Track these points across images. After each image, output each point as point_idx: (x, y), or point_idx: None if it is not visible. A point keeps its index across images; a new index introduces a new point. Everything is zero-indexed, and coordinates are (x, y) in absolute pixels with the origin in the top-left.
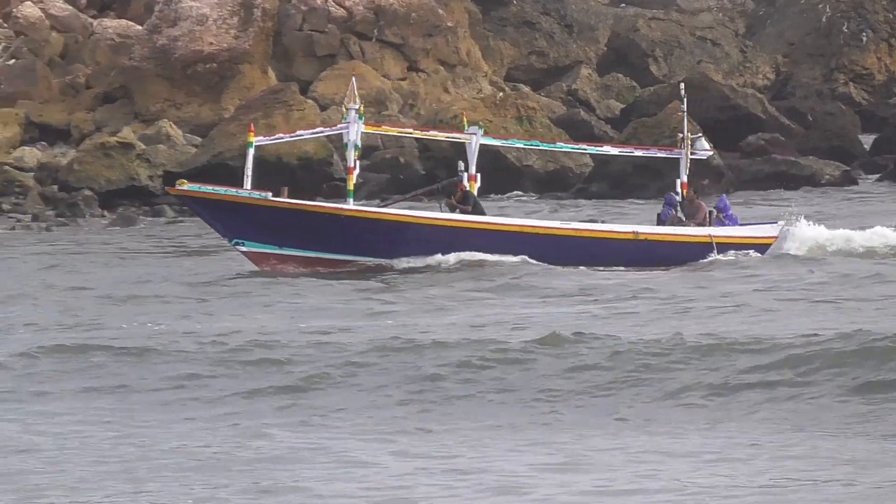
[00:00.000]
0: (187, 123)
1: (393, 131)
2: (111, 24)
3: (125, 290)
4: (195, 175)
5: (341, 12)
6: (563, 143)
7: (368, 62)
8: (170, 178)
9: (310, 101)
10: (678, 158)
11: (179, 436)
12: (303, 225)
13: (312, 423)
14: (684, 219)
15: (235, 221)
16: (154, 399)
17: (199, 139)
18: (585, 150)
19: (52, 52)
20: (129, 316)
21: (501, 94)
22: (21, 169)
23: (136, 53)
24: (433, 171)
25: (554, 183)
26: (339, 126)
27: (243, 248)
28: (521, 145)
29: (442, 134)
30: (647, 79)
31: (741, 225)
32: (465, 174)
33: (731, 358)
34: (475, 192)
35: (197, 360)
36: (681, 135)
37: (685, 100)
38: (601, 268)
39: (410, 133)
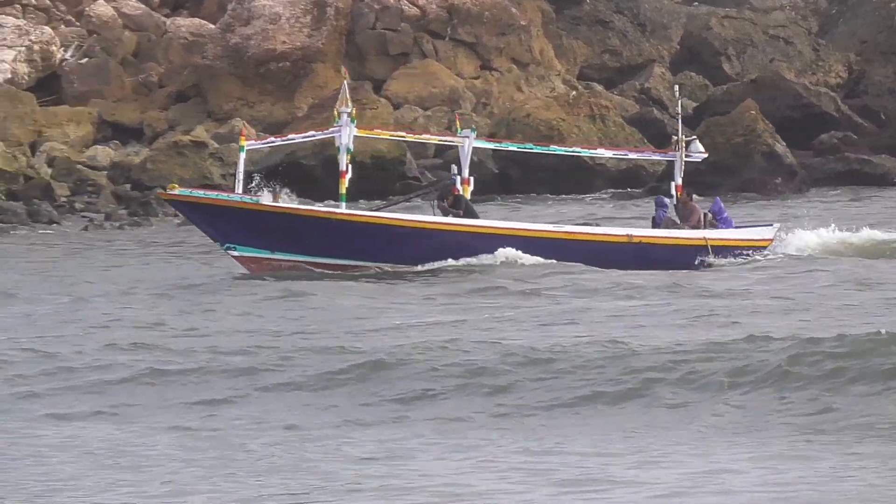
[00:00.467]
0: (260, 122)
1: (385, 135)
2: (184, 23)
3: (193, 288)
4: (269, 174)
5: (414, 11)
6: (556, 146)
7: (441, 61)
8: (245, 176)
9: (383, 99)
10: (674, 160)
11: None
12: (295, 229)
13: None
14: (679, 221)
15: (226, 226)
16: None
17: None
18: (580, 152)
19: (125, 51)
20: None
21: (574, 92)
22: (94, 168)
23: (209, 52)
24: (506, 171)
25: (628, 181)
26: (330, 129)
27: (235, 253)
28: (514, 148)
29: (435, 137)
30: (719, 77)
31: (736, 227)
32: (458, 177)
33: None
34: (468, 196)
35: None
36: (675, 137)
37: (679, 102)
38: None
39: (403, 136)
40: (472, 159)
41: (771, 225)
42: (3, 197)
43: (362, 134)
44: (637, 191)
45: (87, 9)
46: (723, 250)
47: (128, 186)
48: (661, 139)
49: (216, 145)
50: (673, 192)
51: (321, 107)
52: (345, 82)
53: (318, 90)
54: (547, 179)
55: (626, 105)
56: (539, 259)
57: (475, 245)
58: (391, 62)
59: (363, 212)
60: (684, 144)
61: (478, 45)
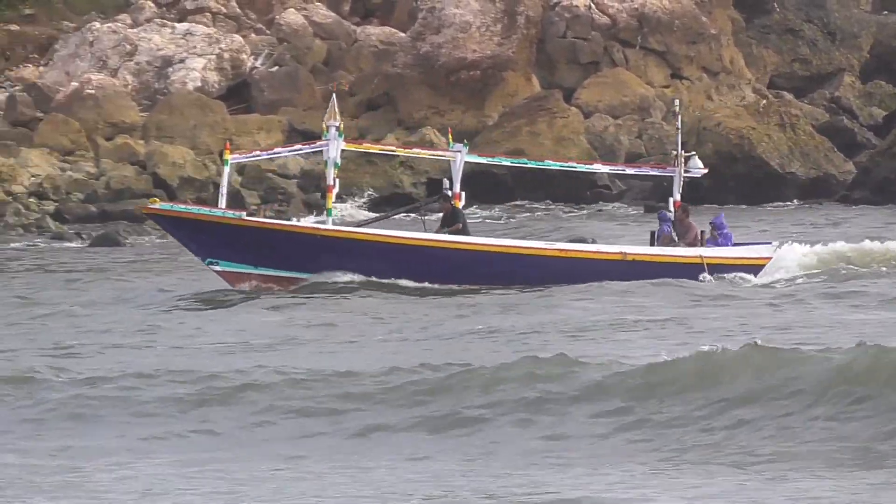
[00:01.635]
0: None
1: (374, 148)
2: (374, 31)
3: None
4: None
5: (605, 20)
6: (551, 161)
7: (632, 69)
8: (432, 185)
9: (573, 108)
10: (672, 177)
11: None
12: (278, 244)
13: None
14: (676, 238)
15: (209, 241)
16: None
17: None
18: (575, 167)
19: (315, 59)
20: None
21: (764, 101)
22: (284, 176)
23: (399, 60)
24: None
25: (817, 190)
26: (318, 143)
27: (217, 268)
28: (509, 163)
29: (426, 151)
30: None
31: (735, 245)
32: (451, 192)
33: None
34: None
35: None
36: (674, 152)
37: (679, 116)
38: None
39: (393, 150)
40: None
41: (770, 243)
42: (191, 199)
43: (350, 148)
44: (827, 200)
45: (277, 17)
46: (719, 268)
47: (318, 195)
48: (851, 148)
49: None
50: (671, 208)
51: (511, 115)
52: (333, 95)
53: (509, 99)
54: (736, 188)
55: (816, 114)
56: (533, 277)
57: (460, 263)
58: (581, 71)
59: (347, 227)
60: (683, 160)
61: (668, 54)
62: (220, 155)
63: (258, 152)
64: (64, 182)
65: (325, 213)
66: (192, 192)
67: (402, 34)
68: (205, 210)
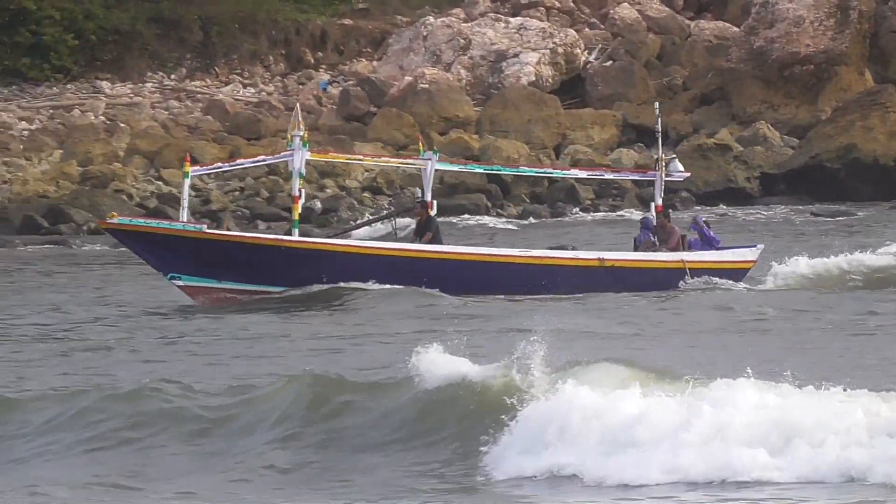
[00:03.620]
0: (784, 125)
1: (340, 158)
2: (708, 26)
3: None
4: (793, 177)
5: None
6: (525, 167)
7: None
8: (766, 180)
9: None
10: (653, 180)
11: None
12: (241, 257)
13: None
14: (657, 243)
15: (169, 255)
16: None
17: (796, 141)
18: (552, 173)
19: (649, 54)
20: None
21: None
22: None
23: (732, 55)
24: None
25: None
26: (282, 154)
27: (180, 283)
28: (480, 170)
29: (396, 160)
30: None
31: (722, 248)
32: (422, 202)
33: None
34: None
35: None
36: (655, 156)
37: (660, 119)
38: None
39: (360, 160)
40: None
41: (755, 246)
42: (526, 199)
43: (315, 157)
44: None
45: (611, 11)
46: (701, 273)
47: (650, 190)
48: None
49: (740, 148)
50: (653, 212)
51: (844, 110)
52: (297, 105)
53: (842, 93)
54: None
55: None
56: (510, 286)
57: (433, 271)
58: None
59: (312, 239)
60: (664, 164)
61: None
62: (555, 150)
63: (219, 164)
64: (398, 177)
65: (291, 224)
66: (525, 188)
67: (736, 29)
68: (164, 223)
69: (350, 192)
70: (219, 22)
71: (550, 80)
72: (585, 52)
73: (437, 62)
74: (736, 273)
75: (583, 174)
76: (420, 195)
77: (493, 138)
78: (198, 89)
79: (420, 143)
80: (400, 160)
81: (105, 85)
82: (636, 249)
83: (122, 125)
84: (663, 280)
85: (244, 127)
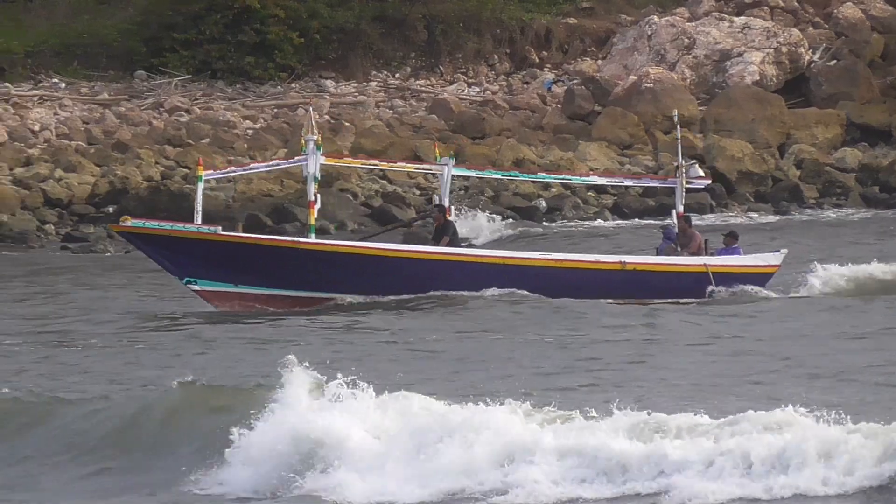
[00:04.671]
0: None
1: (355, 163)
2: None
3: None
4: None
5: None
6: (544, 174)
7: None
8: None
9: None
10: (673, 187)
11: None
12: (258, 261)
13: None
14: (679, 249)
15: (185, 259)
16: None
17: None
18: (571, 179)
19: (873, 53)
20: None
21: None
22: (842, 170)
23: None
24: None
25: None
26: (297, 158)
27: (196, 287)
28: (498, 175)
29: (411, 165)
30: None
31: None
32: (439, 207)
33: None
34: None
35: None
36: (675, 163)
37: (679, 126)
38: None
39: (376, 164)
40: None
41: (778, 251)
42: (751, 198)
43: (329, 162)
44: None
45: (835, 11)
46: (724, 277)
47: (876, 189)
48: None
49: None
50: (674, 219)
51: None
52: (310, 109)
53: None
54: None
55: None
56: (526, 290)
57: (454, 276)
58: None
59: (328, 241)
60: (684, 170)
61: None
62: (779, 149)
63: (232, 168)
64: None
65: (307, 228)
66: (750, 187)
67: None
68: (178, 226)
69: (575, 192)
70: (443, 20)
71: (774, 79)
72: (809, 52)
73: (661, 61)
74: (759, 278)
75: (602, 180)
76: (438, 200)
77: (717, 137)
78: (422, 88)
79: (436, 150)
80: (416, 165)
81: (329, 84)
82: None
83: (346, 124)
84: (686, 284)
85: (469, 126)
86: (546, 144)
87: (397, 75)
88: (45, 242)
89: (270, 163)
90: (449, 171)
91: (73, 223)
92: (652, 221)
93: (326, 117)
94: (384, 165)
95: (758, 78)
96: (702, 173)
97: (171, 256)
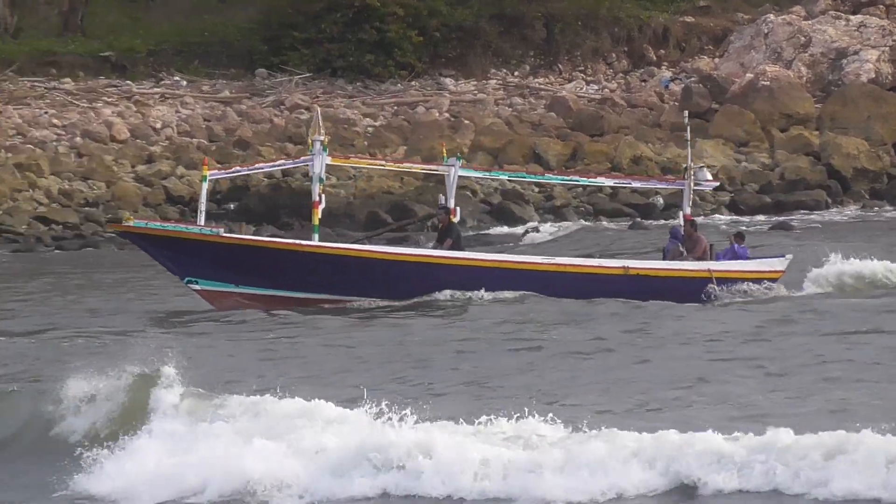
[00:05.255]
0: None
1: (362, 163)
2: None
3: None
4: None
5: None
6: (551, 175)
7: None
8: None
9: None
10: (682, 189)
11: None
12: (260, 262)
13: None
14: (685, 253)
15: (186, 259)
16: None
17: None
18: (578, 181)
19: None
20: None
21: None
22: None
23: None
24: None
25: None
26: (303, 158)
27: (197, 287)
28: (505, 177)
29: (418, 166)
30: None
31: (750, 258)
32: (445, 209)
33: None
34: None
35: None
36: (684, 165)
37: (689, 128)
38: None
39: (382, 165)
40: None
41: (783, 255)
42: (866, 195)
43: (336, 163)
44: None
45: None
46: (729, 282)
47: None
48: None
49: None
50: (681, 220)
51: None
52: (318, 110)
53: None
54: None
55: None
56: (529, 293)
57: (459, 279)
58: None
59: (328, 243)
60: (693, 173)
61: None
62: (894, 146)
63: (238, 168)
64: (739, 173)
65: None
66: (865, 184)
67: None
68: (180, 227)
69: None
70: (561, 19)
71: (890, 76)
72: None
73: (777, 59)
74: (763, 283)
75: (609, 182)
76: (443, 202)
77: (833, 135)
78: (541, 86)
79: (443, 150)
80: (423, 165)
81: (449, 82)
82: (664, 258)
83: (465, 122)
84: (688, 289)
85: (587, 123)
86: (663, 142)
87: (516, 73)
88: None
89: (276, 162)
90: (455, 171)
91: (195, 220)
92: (762, 217)
93: (446, 115)
94: (390, 165)
95: (873, 76)
96: (710, 176)
97: (173, 257)
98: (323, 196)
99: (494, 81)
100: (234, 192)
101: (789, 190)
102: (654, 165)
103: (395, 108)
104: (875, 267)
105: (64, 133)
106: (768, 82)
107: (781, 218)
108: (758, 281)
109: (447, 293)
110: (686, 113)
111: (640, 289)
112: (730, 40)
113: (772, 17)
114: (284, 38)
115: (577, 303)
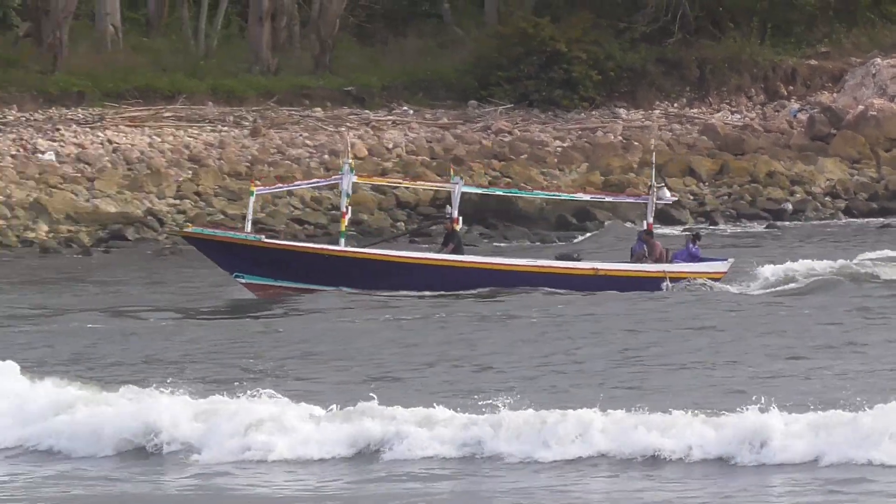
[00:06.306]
0: None
1: (382, 181)
2: None
3: None
4: None
5: None
6: (538, 191)
7: None
8: None
9: None
10: (646, 203)
11: None
12: (292, 262)
13: None
14: (647, 255)
15: (234, 258)
16: None
17: None
18: (559, 196)
19: None
20: None
21: None
22: None
23: None
24: None
25: None
26: (334, 177)
27: (243, 280)
28: (500, 193)
29: (428, 183)
30: None
31: (701, 260)
32: (450, 217)
33: None
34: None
35: None
36: (650, 183)
37: (654, 153)
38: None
39: (399, 183)
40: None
41: (726, 259)
42: None
43: (361, 181)
44: None
45: None
46: (679, 281)
47: None
48: None
49: None
50: (645, 228)
51: None
52: (347, 136)
53: None
54: None
55: None
56: (516, 289)
57: (454, 278)
58: None
59: (349, 248)
60: (654, 191)
61: None
62: None
63: (280, 185)
64: (852, 185)
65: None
66: None
67: None
68: (230, 233)
69: (815, 196)
70: (711, 62)
71: None
72: None
73: (883, 94)
74: (708, 282)
75: (586, 197)
76: (449, 212)
77: None
78: (695, 115)
79: (451, 170)
80: (430, 183)
81: (622, 112)
82: (631, 256)
83: (635, 143)
84: (647, 286)
85: (732, 145)
86: (792, 160)
87: (675, 105)
88: (398, 235)
89: (312, 181)
90: (459, 188)
91: (419, 222)
92: (872, 220)
93: (619, 138)
94: (406, 183)
95: None
96: (668, 194)
97: (223, 257)
98: (349, 208)
99: (658, 111)
100: (450, 199)
101: (892, 198)
102: (784, 178)
103: (579, 132)
104: None
105: (315, 151)
106: (875, 113)
107: (887, 220)
108: (704, 280)
109: (448, 291)
110: (653, 142)
111: (608, 287)
112: (845, 79)
113: (879, 60)
114: (491, 76)
115: (553, 298)
